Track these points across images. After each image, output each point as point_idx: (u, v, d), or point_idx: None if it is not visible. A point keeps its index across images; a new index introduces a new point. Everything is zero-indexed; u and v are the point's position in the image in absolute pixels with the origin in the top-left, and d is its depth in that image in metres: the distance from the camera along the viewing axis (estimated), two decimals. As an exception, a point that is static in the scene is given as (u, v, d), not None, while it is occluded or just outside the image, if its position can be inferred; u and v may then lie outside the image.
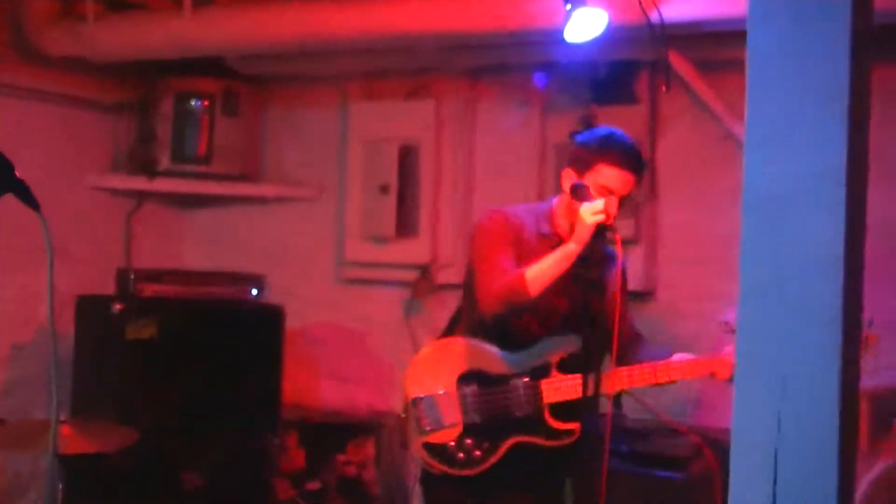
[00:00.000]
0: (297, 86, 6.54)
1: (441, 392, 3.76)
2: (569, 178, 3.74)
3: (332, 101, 6.44)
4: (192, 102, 6.20)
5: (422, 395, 3.76)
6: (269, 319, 5.52)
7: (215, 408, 5.29)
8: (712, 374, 3.71)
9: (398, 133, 6.09)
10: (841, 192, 1.40)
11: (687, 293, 5.36)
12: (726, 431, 1.59)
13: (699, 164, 5.38)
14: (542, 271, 3.55)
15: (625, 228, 5.13)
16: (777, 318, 1.46)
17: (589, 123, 5.41)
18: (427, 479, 3.87)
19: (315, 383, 6.42)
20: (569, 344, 3.75)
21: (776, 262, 1.46)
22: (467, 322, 3.89)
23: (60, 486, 4.10)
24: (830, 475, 1.41)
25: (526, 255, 3.69)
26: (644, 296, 5.44)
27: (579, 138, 3.80)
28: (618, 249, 3.43)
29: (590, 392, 3.37)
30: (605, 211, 3.43)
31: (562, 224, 3.80)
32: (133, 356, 5.10)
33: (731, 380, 3.64)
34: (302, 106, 6.56)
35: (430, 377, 3.78)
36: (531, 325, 3.78)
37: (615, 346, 3.45)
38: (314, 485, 5.78)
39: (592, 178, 3.65)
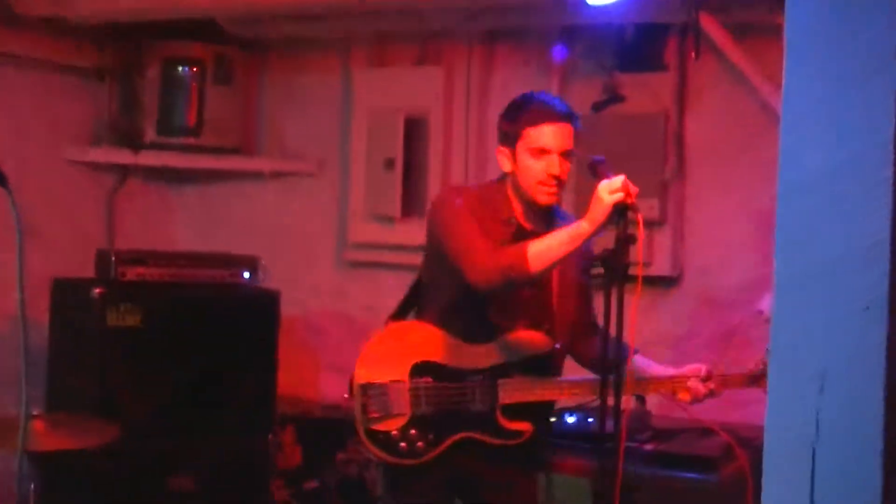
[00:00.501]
0: (296, 51, 6.53)
1: (392, 381, 3.86)
2: (503, 156, 3.87)
3: (334, 68, 6.43)
4: (181, 69, 6.19)
5: (372, 382, 3.86)
6: (264, 306, 5.52)
7: (205, 401, 5.30)
8: (672, 394, 3.89)
9: (405, 103, 6.07)
10: (887, 173, 1.39)
11: (718, 279, 5.34)
12: (760, 429, 1.59)
13: (733, 138, 5.36)
14: (546, 248, 3.57)
15: (649, 209, 5.12)
16: (816, 308, 1.45)
17: (613, 92, 5.40)
18: (388, 471, 4.00)
19: (314, 375, 6.43)
20: (533, 342, 3.88)
21: (815, 247, 1.45)
22: (430, 307, 3.95)
23: (32, 487, 4.11)
24: (873, 477, 1.41)
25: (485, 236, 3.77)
26: (670, 281, 5.44)
27: (501, 115, 3.92)
28: (639, 231, 3.42)
29: (608, 395, 3.38)
30: (625, 189, 3.43)
31: (517, 205, 3.89)
32: (114, 345, 5.10)
33: (690, 402, 3.83)
34: (301, 73, 6.55)
35: (384, 363, 3.89)
36: (493, 317, 3.87)
37: (632, 339, 3.49)
38: (312, 484, 5.79)
39: (525, 145, 3.77)
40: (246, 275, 5.60)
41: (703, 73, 5.40)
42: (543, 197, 3.80)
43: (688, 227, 5.47)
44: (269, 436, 5.50)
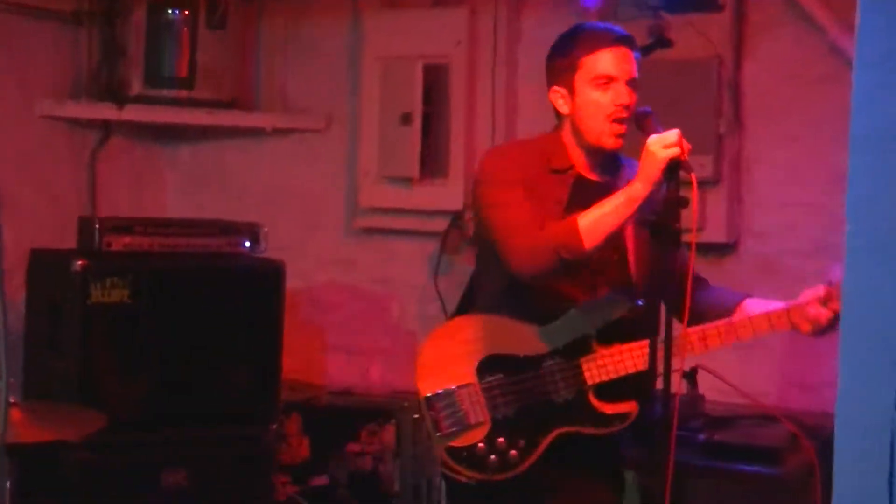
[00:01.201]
0: (299, -9, 6.53)
1: (460, 385, 3.75)
2: (558, 97, 3.77)
3: (343, 10, 6.42)
4: (169, 12, 6.18)
5: (437, 392, 3.76)
6: (266, 279, 5.52)
7: (200, 387, 5.31)
8: (792, 327, 3.71)
9: (424, 49, 6.06)
10: (976, 121, 1.38)
11: (780, 246, 5.33)
12: (829, 416, 1.58)
13: (797, 85, 5.34)
14: (599, 219, 3.50)
15: (701, 168, 5.10)
16: (893, 277, 1.45)
17: (659, 36, 5.38)
18: (455, 490, 3.89)
19: (322, 357, 6.45)
20: (611, 307, 3.74)
21: (894, 208, 1.44)
22: (485, 291, 3.89)
23: (9, 483, 4.13)
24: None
25: (539, 198, 3.68)
26: (725, 248, 5.42)
27: (550, 51, 3.85)
28: (693, 193, 3.39)
29: (657, 363, 3.35)
30: (680, 145, 3.40)
31: (576, 154, 3.79)
32: (99, 324, 5.12)
33: (813, 333, 3.68)
34: (305, 16, 6.54)
35: (445, 368, 3.78)
36: (567, 288, 3.74)
37: (687, 307, 3.44)
38: (320, 480, 5.81)
39: (584, 78, 3.69)
40: (246, 244, 5.60)
41: (762, 12, 5.38)
42: (610, 138, 3.69)
43: (745, 188, 5.46)
44: (272, 425, 5.51)
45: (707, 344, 3.66)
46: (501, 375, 3.74)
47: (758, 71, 5.43)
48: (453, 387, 3.75)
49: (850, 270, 1.50)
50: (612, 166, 3.83)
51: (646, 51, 5.39)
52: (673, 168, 3.40)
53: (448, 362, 3.78)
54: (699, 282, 3.94)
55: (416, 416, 3.88)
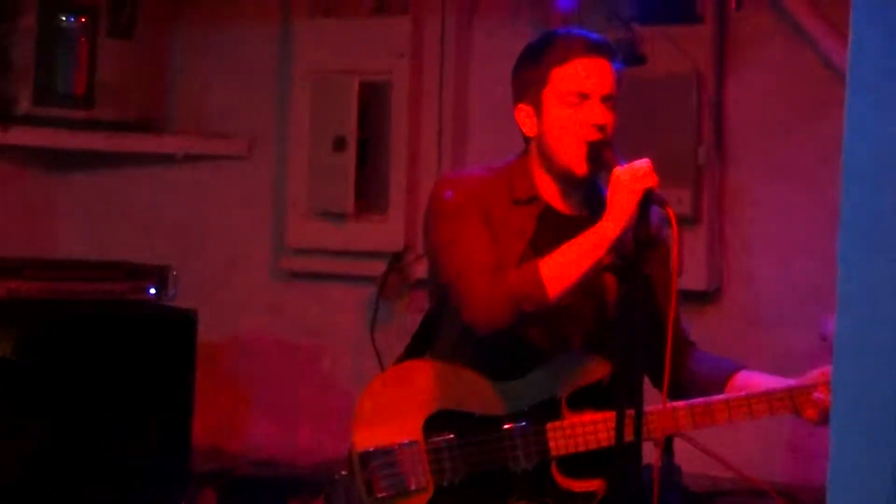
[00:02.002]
0: (220, -4, 6.55)
1: (403, 444, 3.71)
2: (524, 116, 3.69)
3: (271, 18, 6.43)
4: (65, 18, 6.17)
5: (375, 448, 3.72)
6: (176, 330, 5.51)
7: (97, 456, 5.28)
8: (795, 412, 3.66)
9: (361, 64, 6.08)
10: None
11: (768, 293, 5.35)
12: (825, 491, 1.59)
13: (787, 107, 5.38)
14: (565, 264, 3.48)
15: (677, 203, 5.12)
16: (892, 328, 1.45)
17: (631, 51, 5.40)
18: None
19: (242, 420, 6.42)
20: (586, 368, 3.69)
21: (890, 250, 1.45)
22: (441, 334, 3.85)
23: None
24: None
25: (499, 232, 3.63)
26: (705, 296, 5.43)
27: (517, 61, 3.76)
28: (673, 230, 3.40)
29: (626, 438, 3.33)
30: (652, 174, 3.40)
31: (545, 183, 3.72)
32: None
33: (819, 421, 3.62)
34: (227, 23, 6.54)
35: (389, 419, 3.72)
36: (535, 338, 3.68)
37: (667, 373, 3.42)
38: (238, 565, 5.79)
39: (553, 94, 3.62)
40: (152, 290, 5.58)
41: (747, 23, 5.42)
42: (581, 163, 3.58)
43: (729, 227, 5.48)
44: (182, 501, 5.48)
45: (696, 422, 3.62)
46: (452, 435, 3.68)
47: (743, 90, 5.46)
48: (394, 444, 3.70)
49: (842, 320, 1.50)
50: (590, 199, 3.73)
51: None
52: (644, 203, 3.39)
53: (392, 413, 3.72)
54: (686, 346, 3.88)
55: (343, 472, 3.80)
